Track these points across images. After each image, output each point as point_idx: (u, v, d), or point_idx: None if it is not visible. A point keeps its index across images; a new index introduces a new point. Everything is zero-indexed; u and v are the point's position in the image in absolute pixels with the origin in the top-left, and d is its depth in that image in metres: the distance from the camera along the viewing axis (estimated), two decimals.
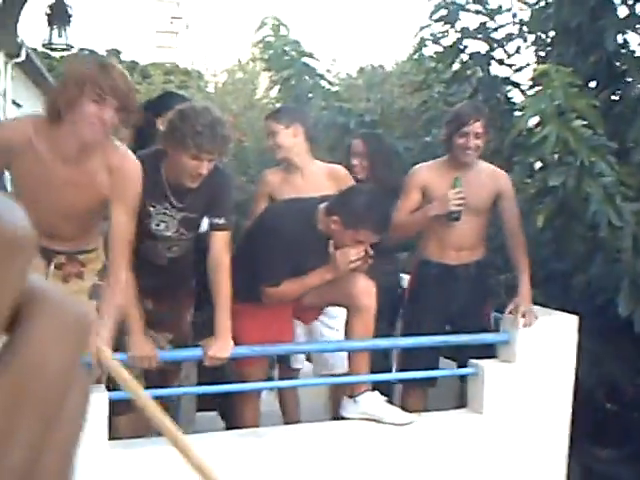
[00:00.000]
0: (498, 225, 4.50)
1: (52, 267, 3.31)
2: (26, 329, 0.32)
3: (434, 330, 4.22)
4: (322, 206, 3.80)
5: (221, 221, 3.60)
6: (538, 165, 4.82)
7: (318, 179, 4.29)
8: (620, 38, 5.36)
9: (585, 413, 4.74)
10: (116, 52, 29.04)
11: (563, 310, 4.35)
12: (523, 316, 4.13)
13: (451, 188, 4.16)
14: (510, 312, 4.18)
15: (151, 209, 3.54)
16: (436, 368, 4.42)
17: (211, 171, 3.46)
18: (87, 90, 3.00)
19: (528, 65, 6.22)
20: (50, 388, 0.31)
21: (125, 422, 3.71)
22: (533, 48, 6.35)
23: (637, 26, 5.38)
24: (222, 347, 3.51)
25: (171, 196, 3.55)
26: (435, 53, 6.82)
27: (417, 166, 4.46)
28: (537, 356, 4.18)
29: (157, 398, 3.85)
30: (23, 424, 0.30)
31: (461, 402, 4.37)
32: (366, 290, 3.84)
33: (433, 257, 4.40)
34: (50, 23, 6.76)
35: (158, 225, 3.58)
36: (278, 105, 7.41)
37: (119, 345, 3.40)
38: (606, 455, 5.53)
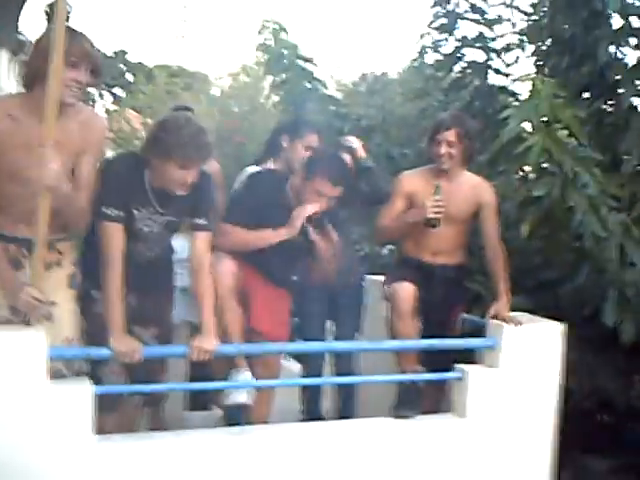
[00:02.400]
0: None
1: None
2: None
3: None
4: None
5: (202, 221, 3.70)
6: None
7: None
8: (613, 49, 5.41)
9: (577, 423, 4.76)
10: (123, 53, 29.08)
11: (553, 319, 4.37)
12: (505, 321, 4.17)
13: (431, 195, 4.21)
14: (491, 317, 4.22)
15: (135, 212, 3.59)
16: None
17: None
18: (64, 57, 3.16)
19: (528, 75, 6.26)
20: None
21: (112, 421, 3.74)
22: (532, 58, 6.40)
23: (629, 38, 5.43)
24: (208, 341, 3.56)
25: (155, 202, 3.61)
26: (435, 61, 6.87)
27: (403, 173, 4.51)
28: (521, 362, 4.19)
29: (144, 394, 3.91)
30: None
31: None
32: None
33: (411, 254, 4.46)
34: (49, 21, 6.81)
35: (141, 229, 3.64)
36: (280, 109, 7.45)
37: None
38: (598, 466, 5.54)
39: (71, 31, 3.26)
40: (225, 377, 3.88)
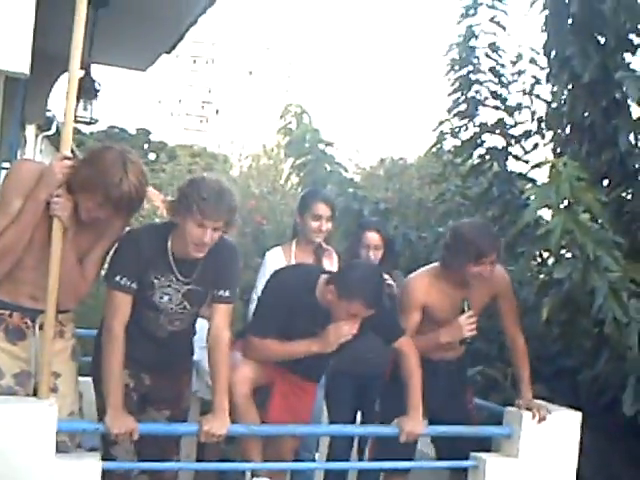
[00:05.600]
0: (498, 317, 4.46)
1: (37, 327, 3.33)
2: None
3: None
4: (324, 275, 3.86)
5: (225, 294, 3.61)
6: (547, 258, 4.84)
7: None
8: (632, 138, 5.45)
9: None
10: (146, 132, 29.64)
11: (570, 407, 4.30)
12: (537, 412, 4.08)
13: (460, 312, 4.06)
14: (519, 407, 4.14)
15: (155, 281, 3.55)
16: (413, 457, 4.27)
17: (218, 244, 3.50)
18: (97, 195, 3.21)
19: (544, 163, 6.29)
20: None
21: None
22: (551, 145, 6.45)
23: None
24: (219, 424, 3.46)
25: (176, 269, 3.56)
26: (453, 147, 6.93)
27: (411, 282, 4.28)
28: (539, 452, 4.10)
29: (154, 472, 3.82)
30: None
31: None
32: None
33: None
34: (77, 97, 7.04)
35: (161, 297, 3.58)
36: (299, 191, 7.51)
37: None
38: None
39: (124, 170, 3.20)
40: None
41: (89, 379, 3.71)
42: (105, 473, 3.34)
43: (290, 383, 3.98)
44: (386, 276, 4.29)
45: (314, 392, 4.22)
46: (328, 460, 4.85)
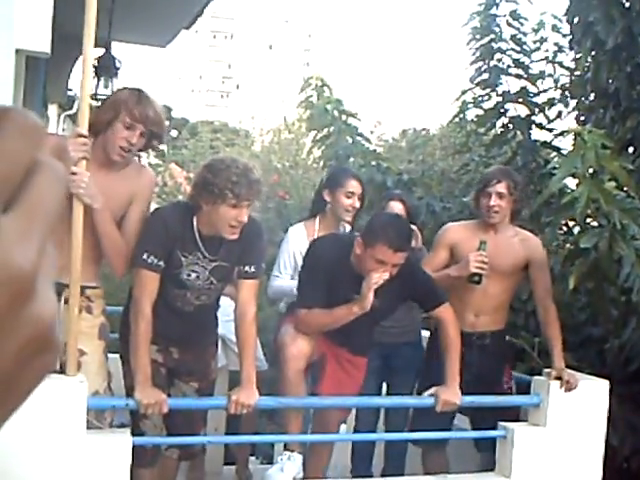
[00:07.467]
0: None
1: (62, 301, 3.31)
2: None
3: None
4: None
5: (251, 269, 3.65)
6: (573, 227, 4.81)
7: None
8: None
9: None
10: (167, 109, 29.67)
11: (597, 375, 4.28)
12: (567, 382, 4.08)
13: (476, 250, 4.15)
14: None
15: (183, 259, 3.58)
16: (449, 429, 4.34)
17: None
18: (121, 115, 3.39)
19: (569, 131, 6.23)
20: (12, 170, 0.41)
21: (148, 476, 3.73)
22: (575, 113, 6.39)
23: None
24: (246, 395, 3.51)
25: (203, 247, 3.60)
26: (476, 116, 6.87)
27: (448, 225, 4.49)
28: (567, 421, 4.11)
29: (183, 446, 3.87)
30: None
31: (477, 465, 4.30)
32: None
33: None
34: (97, 75, 7.06)
35: (189, 275, 3.62)
36: (321, 164, 7.49)
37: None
38: None
39: (139, 94, 3.42)
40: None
41: (117, 356, 3.74)
42: (135, 447, 3.39)
43: (340, 359, 4.00)
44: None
45: (363, 367, 4.20)
46: (355, 432, 4.88)
